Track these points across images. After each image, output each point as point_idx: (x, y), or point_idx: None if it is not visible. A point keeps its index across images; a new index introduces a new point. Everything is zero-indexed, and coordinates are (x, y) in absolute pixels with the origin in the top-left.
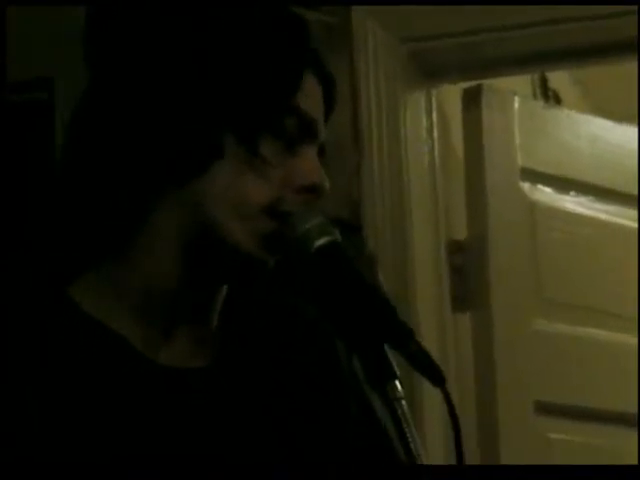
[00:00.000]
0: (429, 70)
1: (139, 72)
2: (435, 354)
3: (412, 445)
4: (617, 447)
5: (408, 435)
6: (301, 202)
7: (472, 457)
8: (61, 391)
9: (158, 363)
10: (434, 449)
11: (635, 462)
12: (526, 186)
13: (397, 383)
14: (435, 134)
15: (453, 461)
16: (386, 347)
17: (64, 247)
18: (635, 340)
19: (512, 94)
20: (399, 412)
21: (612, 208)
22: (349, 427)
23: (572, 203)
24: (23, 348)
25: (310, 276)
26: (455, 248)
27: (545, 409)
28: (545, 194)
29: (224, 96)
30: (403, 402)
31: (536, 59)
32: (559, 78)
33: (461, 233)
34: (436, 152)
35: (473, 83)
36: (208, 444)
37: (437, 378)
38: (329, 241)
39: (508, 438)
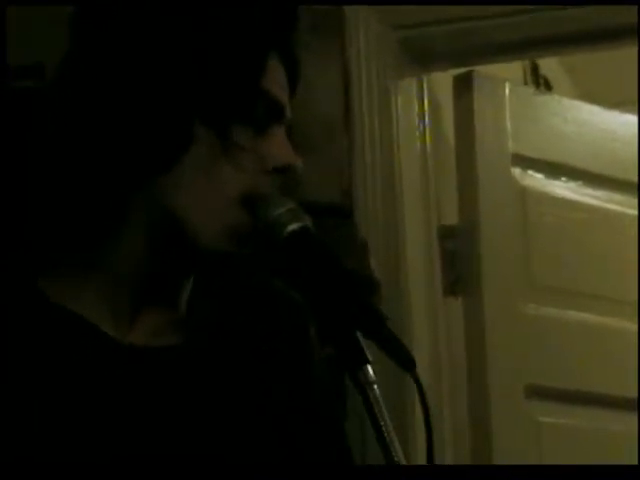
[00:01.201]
0: (420, 57)
1: (112, 65)
2: (426, 338)
3: (384, 429)
4: (607, 430)
5: (380, 419)
6: (277, 185)
7: (464, 440)
8: (34, 379)
9: (128, 344)
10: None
11: (625, 445)
12: (517, 172)
13: (369, 368)
14: (426, 120)
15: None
16: (358, 333)
17: (35, 240)
18: (626, 323)
19: (503, 80)
20: (371, 397)
21: (602, 193)
22: (316, 414)
23: (562, 188)
24: None
25: (282, 262)
26: (446, 233)
27: (536, 392)
28: (536, 179)
29: (192, 87)
30: (375, 387)
31: (526, 45)
32: (549, 65)
33: (452, 218)
34: (427, 138)
35: (464, 70)
36: (175, 419)
37: (407, 363)
38: (300, 227)
39: (500, 422)
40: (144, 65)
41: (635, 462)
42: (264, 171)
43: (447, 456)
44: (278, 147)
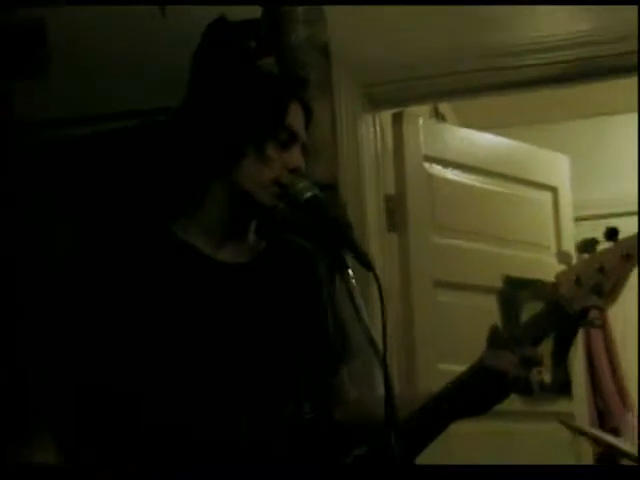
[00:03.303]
0: (375, 103)
1: (208, 116)
2: (378, 254)
3: (357, 303)
4: (483, 306)
5: (355, 298)
6: (293, 177)
7: (397, 314)
8: (165, 281)
9: (218, 260)
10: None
11: (494, 317)
12: (426, 165)
13: (350, 270)
14: (377, 137)
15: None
16: (343, 250)
17: (169, 203)
18: (494, 248)
19: (418, 115)
20: (351, 286)
21: (474, 177)
22: (327, 318)
23: (451, 174)
24: (144, 261)
25: (302, 215)
26: (388, 198)
27: (439, 284)
28: (437, 169)
29: (245, 127)
30: (353, 280)
31: (436, 97)
32: (444, 106)
33: (391, 190)
34: (378, 147)
35: (399, 109)
36: (243, 305)
37: (369, 266)
38: (312, 195)
39: (418, 301)
40: (218, 116)
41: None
42: (286, 169)
43: (391, 317)
44: (294, 157)
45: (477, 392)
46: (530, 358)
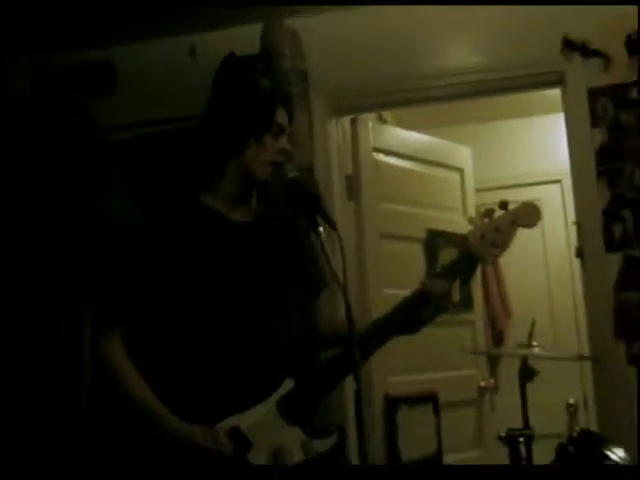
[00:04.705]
0: (338, 112)
1: (222, 119)
2: (341, 217)
3: (326, 252)
4: (415, 251)
5: (325, 249)
6: (284, 158)
7: (353, 259)
8: (196, 232)
9: (233, 220)
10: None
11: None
12: (374, 154)
13: (320, 228)
14: (339, 135)
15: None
16: (317, 216)
17: (199, 182)
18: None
19: (368, 120)
20: (322, 239)
21: (406, 162)
22: (310, 265)
23: (393, 160)
24: (184, 220)
25: (286, 190)
26: (348, 178)
27: (385, 236)
28: (382, 157)
29: (248, 124)
30: (323, 235)
31: (381, 107)
32: (386, 112)
33: (350, 171)
34: (340, 142)
35: (355, 116)
36: (251, 255)
37: (334, 226)
38: (293, 175)
39: (369, 249)
40: (230, 117)
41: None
42: (278, 152)
43: (349, 260)
44: (283, 143)
45: (413, 315)
46: (445, 292)
